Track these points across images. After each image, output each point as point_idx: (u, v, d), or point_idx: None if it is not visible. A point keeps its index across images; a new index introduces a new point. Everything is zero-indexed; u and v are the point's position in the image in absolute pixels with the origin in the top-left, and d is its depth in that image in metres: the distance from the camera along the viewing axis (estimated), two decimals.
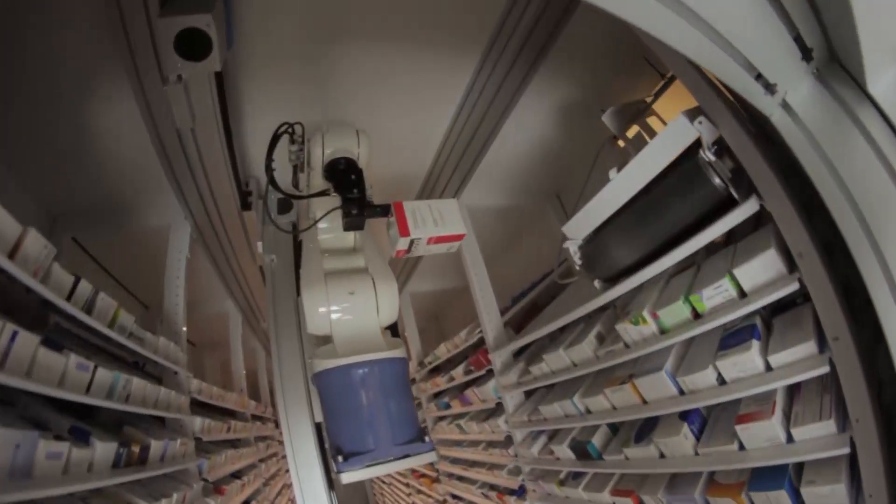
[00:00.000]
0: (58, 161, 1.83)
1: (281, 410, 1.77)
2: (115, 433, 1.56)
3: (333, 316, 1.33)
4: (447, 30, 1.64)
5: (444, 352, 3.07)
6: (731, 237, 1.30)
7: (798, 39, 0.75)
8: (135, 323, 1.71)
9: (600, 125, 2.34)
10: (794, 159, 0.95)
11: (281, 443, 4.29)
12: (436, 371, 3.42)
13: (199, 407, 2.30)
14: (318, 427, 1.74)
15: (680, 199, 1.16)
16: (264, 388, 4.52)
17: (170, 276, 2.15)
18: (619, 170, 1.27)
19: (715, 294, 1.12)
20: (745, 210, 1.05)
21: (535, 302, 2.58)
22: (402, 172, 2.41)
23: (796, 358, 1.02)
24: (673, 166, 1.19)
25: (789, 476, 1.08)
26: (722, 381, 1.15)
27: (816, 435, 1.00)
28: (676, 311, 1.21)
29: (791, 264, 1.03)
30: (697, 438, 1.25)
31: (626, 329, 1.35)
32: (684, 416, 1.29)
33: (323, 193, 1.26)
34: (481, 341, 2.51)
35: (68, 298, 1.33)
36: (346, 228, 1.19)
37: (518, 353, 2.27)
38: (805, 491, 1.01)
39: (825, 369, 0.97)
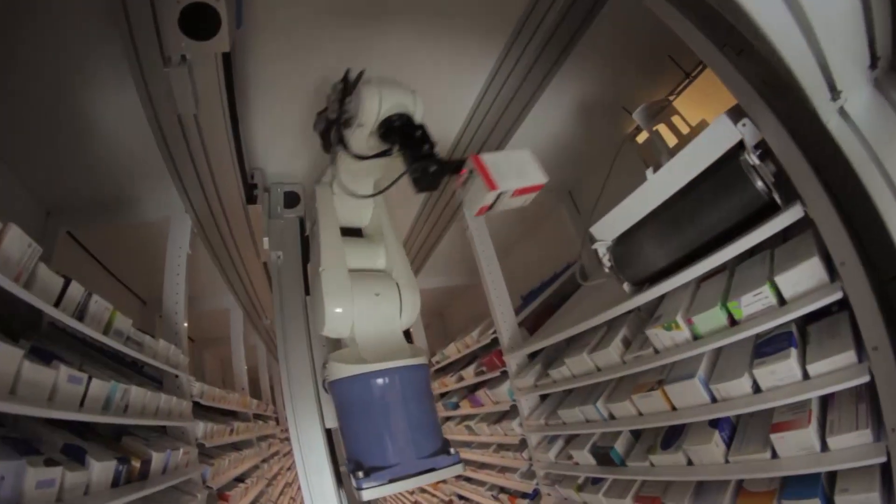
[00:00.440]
0: (51, 151, 1.81)
1: (290, 418, 1.79)
2: (113, 445, 1.54)
3: (358, 318, 1.33)
4: (469, 23, 1.63)
5: (454, 351, 3.12)
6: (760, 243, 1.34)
7: (871, 45, 0.77)
8: (132, 326, 1.69)
9: (617, 124, 2.36)
10: (836, 166, 0.98)
11: (282, 440, 4.34)
12: (442, 370, 3.46)
13: (200, 409, 2.33)
14: (328, 433, 1.77)
15: (720, 201, 1.18)
16: (265, 384, 4.55)
17: (169, 272, 2.14)
18: (654, 170, 1.29)
19: (754, 301, 1.16)
20: (789, 216, 1.08)
21: (547, 301, 2.62)
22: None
23: (835, 367, 1.06)
24: (712, 169, 1.21)
25: (822, 485, 1.13)
26: (757, 389, 1.19)
27: (852, 444, 1.05)
28: (713, 318, 1.24)
29: (832, 273, 1.07)
30: (728, 446, 1.30)
31: (658, 334, 1.38)
32: (714, 423, 1.34)
33: (385, 153, 1.21)
34: (494, 342, 2.55)
35: (57, 303, 1.25)
36: (421, 189, 1.14)
37: (532, 355, 2.32)
38: (839, 499, 1.06)
39: (865, 379, 1.01)
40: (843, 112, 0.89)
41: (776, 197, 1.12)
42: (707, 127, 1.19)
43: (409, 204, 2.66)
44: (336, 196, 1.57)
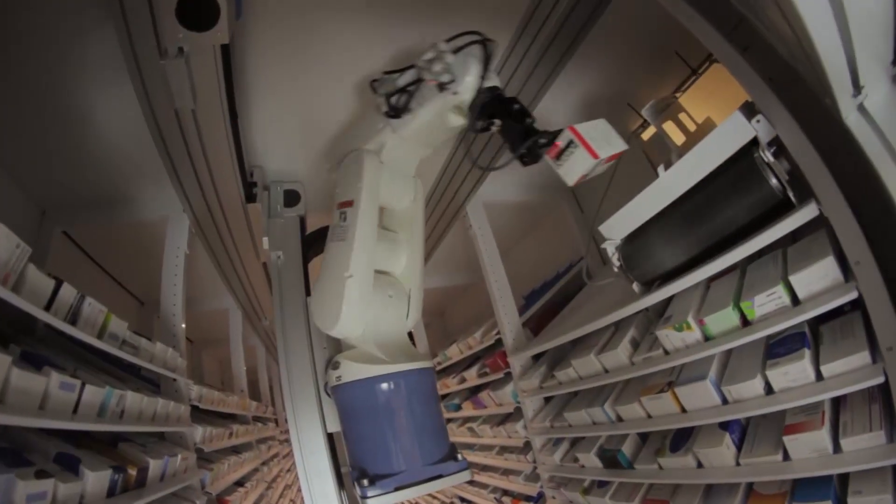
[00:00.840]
0: (46, 149, 1.79)
1: (291, 421, 1.77)
2: (109, 452, 1.51)
3: (371, 320, 1.30)
4: (474, 18, 1.61)
5: (456, 353, 3.11)
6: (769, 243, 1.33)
7: None
8: (128, 329, 1.66)
9: (621, 121, 2.36)
10: (851, 164, 0.98)
11: (282, 442, 4.33)
12: (444, 372, 3.46)
13: (198, 412, 2.31)
14: (329, 437, 1.75)
15: (733, 199, 1.18)
16: (264, 386, 4.54)
17: (167, 273, 2.12)
18: (666, 167, 1.29)
19: (767, 301, 1.15)
20: (803, 215, 1.08)
21: (551, 301, 2.62)
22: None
23: (850, 368, 1.06)
24: (724, 166, 1.21)
25: (834, 487, 1.13)
26: (769, 390, 1.19)
27: (866, 445, 1.05)
28: (725, 318, 1.24)
29: (846, 272, 1.07)
30: (738, 448, 1.30)
31: (668, 335, 1.38)
32: (724, 425, 1.33)
33: (488, 127, 1.22)
34: (498, 343, 2.55)
35: (48, 307, 1.21)
36: (527, 164, 1.18)
37: (537, 356, 2.31)
38: (852, 501, 1.06)
39: (879, 380, 1.01)
40: (862, 108, 0.88)
41: (791, 195, 1.11)
42: (720, 124, 1.19)
43: None
44: (385, 169, 1.43)
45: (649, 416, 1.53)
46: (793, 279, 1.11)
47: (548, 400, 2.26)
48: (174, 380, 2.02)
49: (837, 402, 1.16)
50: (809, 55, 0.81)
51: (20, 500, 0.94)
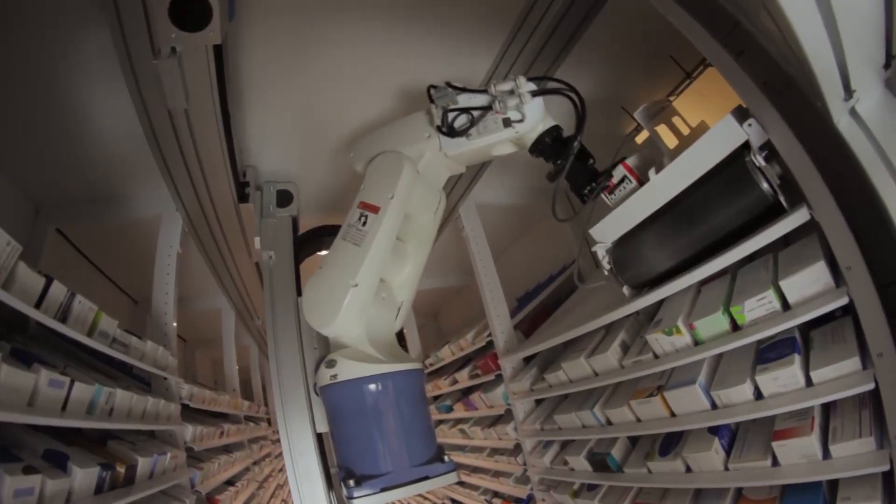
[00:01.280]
0: (40, 147, 1.75)
1: (280, 421, 1.73)
2: (98, 449, 1.49)
3: (370, 318, 1.28)
4: (469, 20, 1.60)
5: (448, 354, 3.07)
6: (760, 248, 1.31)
7: (888, 44, 0.75)
8: (118, 327, 1.64)
9: (615, 124, 2.33)
10: (843, 169, 0.96)
11: (274, 442, 4.28)
12: (436, 373, 3.42)
13: (190, 411, 2.27)
14: (319, 438, 1.71)
15: (724, 203, 1.15)
16: (257, 385, 4.49)
17: (159, 271, 2.09)
18: (657, 170, 1.26)
19: (758, 306, 1.13)
20: (795, 219, 1.05)
21: (543, 303, 2.59)
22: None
23: (840, 374, 1.03)
24: (715, 170, 1.18)
25: (823, 493, 1.11)
26: (759, 395, 1.17)
27: (855, 452, 1.02)
28: (714, 323, 1.22)
29: (837, 277, 1.04)
30: (727, 453, 1.27)
31: (658, 339, 1.35)
32: (714, 430, 1.31)
33: (560, 168, 1.27)
34: (489, 345, 2.51)
35: (38, 304, 1.21)
36: (587, 202, 1.26)
37: (528, 358, 2.28)
38: None
39: (869, 386, 0.99)
40: (853, 112, 0.86)
41: (782, 199, 1.09)
42: (711, 127, 1.16)
43: None
44: (419, 179, 1.37)
45: (639, 420, 1.50)
46: (783, 284, 1.08)
47: (538, 402, 2.23)
48: (165, 378, 1.99)
49: (827, 408, 1.14)
50: (800, 59, 0.79)
51: (7, 495, 0.94)
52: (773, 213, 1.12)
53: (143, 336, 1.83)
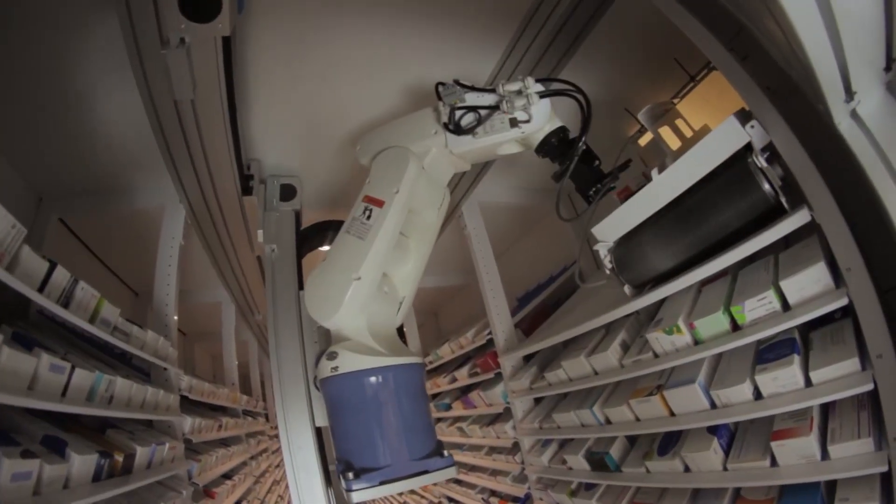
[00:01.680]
0: (44, 135, 1.76)
1: (280, 414, 1.74)
2: (97, 437, 1.49)
3: (373, 312, 1.28)
4: (473, 20, 1.61)
5: (448, 352, 3.08)
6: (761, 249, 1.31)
7: (888, 47, 0.76)
8: (120, 316, 1.64)
9: (618, 126, 2.34)
10: (844, 171, 0.97)
11: (272, 437, 4.28)
12: (435, 371, 3.42)
13: (188, 403, 2.27)
14: (317, 431, 1.72)
15: (726, 204, 1.16)
16: (255, 381, 4.50)
17: (161, 263, 2.10)
18: (660, 170, 1.27)
19: (758, 306, 1.13)
20: (795, 220, 1.06)
21: (543, 303, 2.59)
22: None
23: (839, 374, 1.04)
24: (717, 171, 1.19)
25: (821, 493, 1.11)
26: (758, 395, 1.17)
27: (853, 452, 1.03)
28: (715, 322, 1.22)
29: (837, 279, 1.05)
30: (726, 453, 1.28)
31: (658, 338, 1.36)
32: (713, 430, 1.31)
33: (566, 168, 1.27)
34: (489, 343, 2.52)
35: (41, 288, 1.22)
36: (592, 203, 1.25)
37: (528, 357, 2.28)
38: None
39: (868, 387, 0.99)
40: (854, 114, 0.87)
41: (783, 201, 1.10)
42: (713, 129, 1.17)
43: None
44: (423, 175, 1.38)
45: (638, 419, 1.50)
46: (783, 284, 1.09)
47: (537, 401, 2.23)
48: (164, 369, 1.99)
49: (826, 409, 1.14)
50: (803, 61, 0.80)
51: (5, 478, 0.93)
52: (775, 214, 1.13)
53: (143, 327, 1.84)
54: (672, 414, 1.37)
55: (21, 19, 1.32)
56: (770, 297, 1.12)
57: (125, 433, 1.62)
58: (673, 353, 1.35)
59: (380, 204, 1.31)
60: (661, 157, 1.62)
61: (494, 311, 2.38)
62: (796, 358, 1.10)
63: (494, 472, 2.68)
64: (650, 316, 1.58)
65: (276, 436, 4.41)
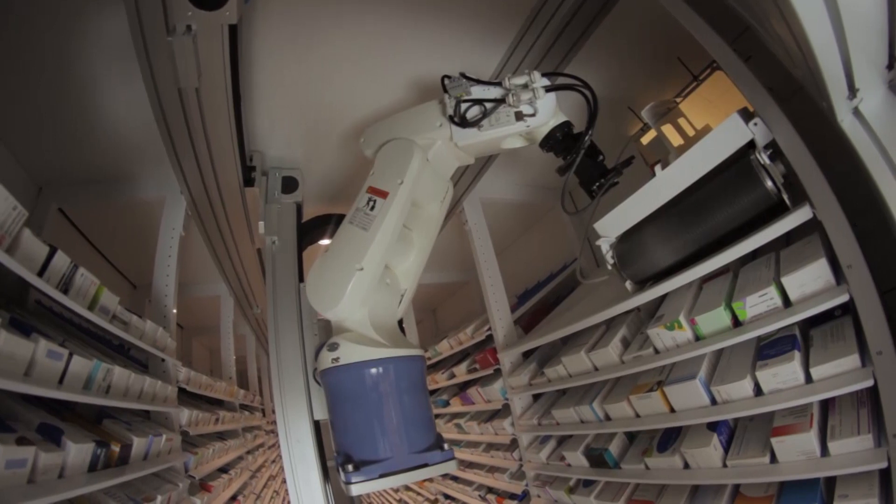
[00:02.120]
0: (45, 124, 1.75)
1: (278, 406, 1.74)
2: (93, 427, 1.47)
3: (374, 303, 1.28)
4: (478, 17, 1.61)
5: (447, 348, 3.08)
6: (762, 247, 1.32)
7: (891, 45, 0.76)
8: (119, 304, 1.64)
9: (620, 124, 2.35)
10: (846, 168, 0.98)
11: (268, 432, 4.28)
12: (434, 367, 3.42)
13: (185, 396, 2.27)
14: (316, 425, 1.72)
15: (728, 200, 1.17)
16: (252, 376, 4.49)
17: (161, 254, 2.09)
18: (663, 167, 1.28)
19: (759, 302, 1.14)
20: (797, 217, 1.07)
21: (543, 300, 2.60)
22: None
23: (839, 371, 1.05)
24: (720, 168, 1.20)
25: (820, 490, 1.12)
26: (759, 391, 1.18)
27: (853, 449, 1.04)
28: (716, 318, 1.23)
29: (838, 275, 1.06)
30: (726, 450, 1.28)
31: (659, 334, 1.36)
32: (713, 426, 1.32)
33: (571, 162, 1.29)
34: (489, 339, 2.52)
35: (41, 273, 1.20)
36: (596, 197, 1.26)
37: (527, 353, 2.29)
38: None
39: (868, 383, 1.00)
40: (857, 112, 0.88)
41: (785, 198, 1.11)
42: (717, 126, 1.18)
43: None
44: (427, 167, 1.38)
45: (637, 416, 1.51)
46: (785, 280, 1.10)
47: (536, 397, 2.24)
48: (162, 360, 1.98)
49: (826, 405, 1.15)
50: (806, 57, 0.81)
51: (0, 465, 0.92)
52: (777, 211, 1.14)
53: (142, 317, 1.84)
54: (672, 410, 1.38)
55: (22, 5, 1.31)
56: (771, 293, 1.13)
57: (122, 424, 1.61)
58: (674, 348, 1.35)
59: (384, 195, 1.31)
60: (662, 154, 1.63)
61: (494, 306, 2.39)
62: (797, 354, 1.11)
63: (492, 469, 2.68)
64: (651, 313, 1.59)
65: (273, 431, 4.42)
